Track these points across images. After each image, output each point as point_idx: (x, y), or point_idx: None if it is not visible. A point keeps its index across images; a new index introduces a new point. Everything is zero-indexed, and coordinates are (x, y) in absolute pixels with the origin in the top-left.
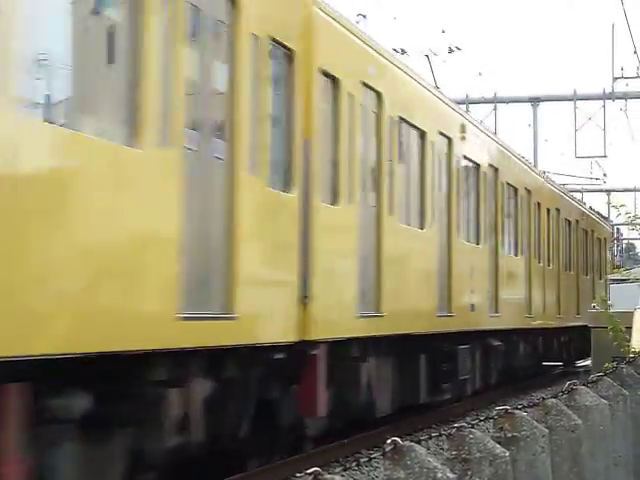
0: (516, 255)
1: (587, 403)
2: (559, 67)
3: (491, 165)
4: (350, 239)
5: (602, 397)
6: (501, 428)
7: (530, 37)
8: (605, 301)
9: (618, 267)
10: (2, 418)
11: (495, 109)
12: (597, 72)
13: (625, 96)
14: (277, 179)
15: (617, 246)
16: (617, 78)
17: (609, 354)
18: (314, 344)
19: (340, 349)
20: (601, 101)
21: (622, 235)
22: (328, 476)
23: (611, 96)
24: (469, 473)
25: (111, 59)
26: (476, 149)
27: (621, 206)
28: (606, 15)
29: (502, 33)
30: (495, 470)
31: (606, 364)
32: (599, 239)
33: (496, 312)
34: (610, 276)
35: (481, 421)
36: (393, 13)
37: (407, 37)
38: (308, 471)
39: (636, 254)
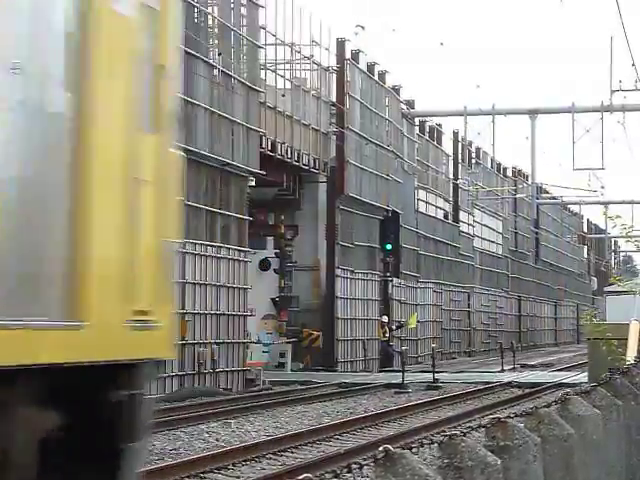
0: None
1: (580, 413)
2: (557, 80)
3: None
4: None
5: (595, 407)
6: (493, 437)
7: (528, 50)
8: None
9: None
10: None
11: (493, 121)
12: (595, 85)
13: (623, 109)
14: None
15: (614, 258)
16: (615, 91)
17: (605, 365)
18: None
19: None
20: (599, 113)
21: (620, 247)
22: None
23: (609, 109)
24: None
25: None
26: None
27: (616, 217)
28: (604, 28)
29: (501, 46)
30: (487, 478)
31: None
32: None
33: None
34: (607, 288)
35: (473, 429)
36: (392, 25)
37: (405, 49)
38: (299, 477)
39: (634, 266)
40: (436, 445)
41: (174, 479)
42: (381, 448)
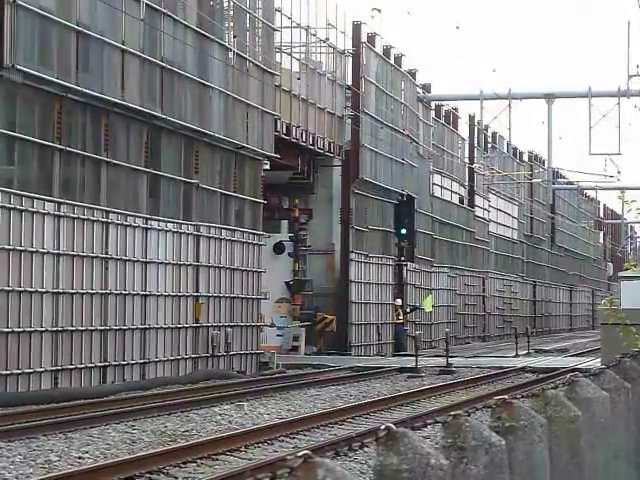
0: None
1: (588, 395)
2: (574, 64)
3: None
4: None
5: (604, 389)
6: (499, 417)
7: (545, 34)
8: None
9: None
10: None
11: (510, 105)
12: (612, 69)
13: None
14: None
15: (630, 244)
16: (632, 76)
17: (619, 350)
18: None
19: None
20: (616, 98)
21: (636, 233)
22: (318, 459)
23: (626, 93)
24: (464, 461)
25: None
26: None
27: (632, 202)
28: (622, 12)
29: (517, 29)
30: (491, 459)
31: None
32: None
33: None
34: (621, 273)
35: (478, 410)
36: (408, 8)
37: (421, 33)
38: (299, 454)
39: None
40: (440, 425)
41: (186, 461)
42: (383, 427)
